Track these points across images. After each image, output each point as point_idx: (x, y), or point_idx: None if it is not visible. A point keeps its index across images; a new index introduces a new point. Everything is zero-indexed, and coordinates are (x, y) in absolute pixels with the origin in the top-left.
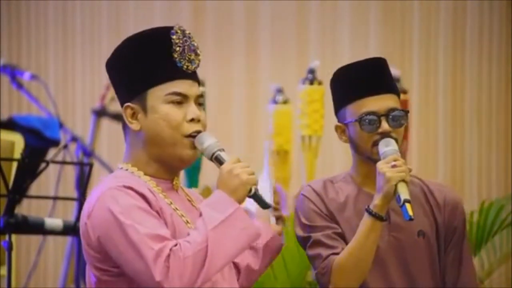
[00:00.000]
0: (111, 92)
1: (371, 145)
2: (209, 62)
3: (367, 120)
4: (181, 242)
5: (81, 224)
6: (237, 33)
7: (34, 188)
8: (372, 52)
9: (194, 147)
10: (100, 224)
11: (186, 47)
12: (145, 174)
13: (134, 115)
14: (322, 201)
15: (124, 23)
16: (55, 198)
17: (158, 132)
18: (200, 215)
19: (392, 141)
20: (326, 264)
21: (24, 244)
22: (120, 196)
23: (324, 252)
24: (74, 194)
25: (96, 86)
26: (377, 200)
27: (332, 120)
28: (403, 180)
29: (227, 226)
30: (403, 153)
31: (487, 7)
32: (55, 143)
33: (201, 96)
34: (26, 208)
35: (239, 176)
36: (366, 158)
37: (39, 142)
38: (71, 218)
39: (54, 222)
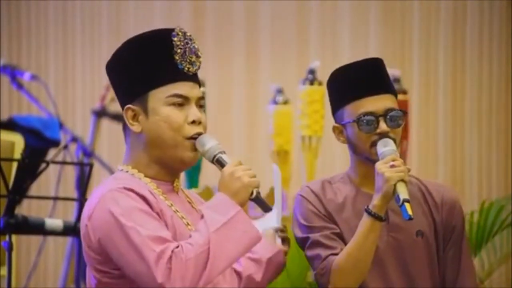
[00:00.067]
0: (111, 93)
1: (369, 145)
2: (209, 62)
3: (365, 121)
4: (183, 244)
5: (82, 225)
6: (237, 33)
7: (34, 189)
8: (372, 52)
9: (195, 149)
10: (101, 226)
11: (187, 49)
12: (146, 176)
13: (135, 117)
14: (320, 202)
15: (124, 23)
16: (55, 198)
17: (159, 134)
18: (202, 217)
19: (390, 141)
20: (325, 265)
21: (24, 245)
22: (121, 198)
23: (323, 252)
24: (74, 194)
25: (96, 86)
26: (376, 200)
27: (332, 120)
28: (402, 180)
29: (229, 229)
30: (403, 153)
31: (487, 7)
32: (55, 143)
33: (202, 98)
34: (26, 209)
35: (241, 179)
36: (364, 159)
37: (39, 143)
38: (72, 219)
39: (54, 222)
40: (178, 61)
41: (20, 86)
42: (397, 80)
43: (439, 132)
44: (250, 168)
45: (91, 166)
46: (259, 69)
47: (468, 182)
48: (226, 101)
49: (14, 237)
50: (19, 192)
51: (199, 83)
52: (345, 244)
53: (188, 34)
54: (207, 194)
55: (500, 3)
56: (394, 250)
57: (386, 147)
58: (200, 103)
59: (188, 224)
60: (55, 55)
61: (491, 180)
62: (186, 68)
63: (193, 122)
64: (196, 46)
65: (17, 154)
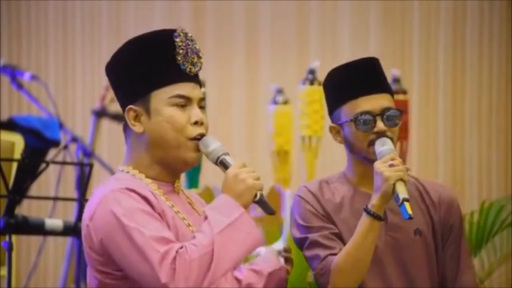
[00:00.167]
0: (111, 93)
1: (367, 144)
2: (209, 62)
3: (362, 120)
4: (187, 245)
5: (83, 226)
6: (237, 33)
7: (34, 189)
8: (372, 52)
9: (197, 150)
10: (103, 227)
11: (189, 50)
12: (147, 176)
13: (136, 118)
14: (318, 202)
15: (124, 23)
16: (55, 198)
17: (162, 134)
18: (206, 218)
19: (388, 141)
20: (324, 265)
21: (24, 245)
22: (123, 198)
23: (322, 252)
24: (74, 194)
25: (96, 86)
26: (375, 200)
27: None
28: (401, 179)
29: (233, 230)
30: (403, 153)
31: (487, 7)
32: (55, 143)
33: (203, 99)
34: (27, 209)
35: (245, 181)
36: (362, 158)
37: (39, 143)
38: (72, 219)
39: (54, 222)
40: (181, 62)
41: (20, 86)
42: (397, 80)
43: (439, 132)
44: (254, 170)
45: (91, 166)
46: (259, 69)
47: (468, 182)
48: (226, 101)
49: (14, 237)
50: (19, 192)
51: (200, 84)
52: (344, 244)
53: (190, 34)
54: (207, 194)
55: (500, 3)
56: (393, 250)
57: (384, 146)
58: (201, 104)
59: (189, 225)
60: (55, 55)
61: (491, 180)
62: (188, 69)
63: (196, 123)
64: (198, 47)
65: (17, 154)
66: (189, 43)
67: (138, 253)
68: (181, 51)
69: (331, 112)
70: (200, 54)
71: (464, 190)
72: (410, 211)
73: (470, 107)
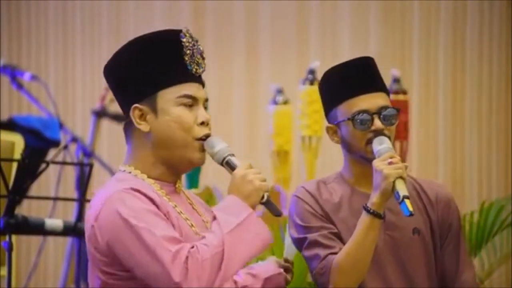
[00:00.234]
0: (111, 93)
1: (364, 143)
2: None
3: (359, 119)
4: (198, 244)
5: (87, 227)
6: (237, 33)
7: (34, 189)
8: (372, 52)
9: (203, 150)
10: (109, 228)
11: (194, 50)
12: (149, 177)
13: (142, 116)
14: (317, 202)
15: (124, 23)
16: (55, 198)
17: (170, 134)
18: (214, 218)
19: (386, 139)
20: (325, 264)
21: (24, 245)
22: (128, 199)
23: (321, 252)
24: (74, 194)
25: (96, 86)
26: (375, 198)
27: None
28: (401, 177)
29: (242, 230)
30: (403, 153)
31: (487, 7)
32: (55, 143)
33: (207, 99)
34: (27, 209)
35: (253, 182)
36: (359, 157)
37: (39, 143)
38: (72, 219)
39: (54, 222)
40: (188, 62)
41: (20, 86)
42: (397, 80)
43: (439, 132)
44: (260, 172)
45: (91, 166)
46: (259, 69)
47: (468, 182)
48: (226, 101)
49: (14, 237)
50: (19, 192)
51: (204, 85)
52: (343, 244)
53: (194, 35)
54: (207, 194)
55: (500, 3)
56: (392, 249)
57: (382, 145)
58: (205, 105)
59: (192, 225)
60: (55, 55)
61: (491, 180)
62: (194, 70)
63: (202, 123)
64: (201, 48)
65: (17, 154)
66: (195, 43)
67: (148, 253)
68: (188, 51)
69: (327, 112)
70: (204, 55)
71: (464, 190)
72: (411, 208)
73: (470, 107)
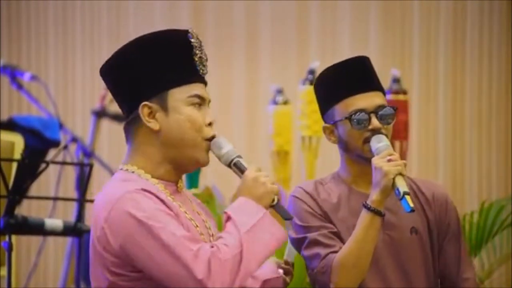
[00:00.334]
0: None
1: (361, 142)
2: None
3: (357, 117)
4: (218, 244)
5: (96, 227)
6: (237, 33)
7: (34, 189)
8: (372, 52)
9: (208, 150)
10: (122, 229)
11: (202, 51)
12: (152, 176)
13: (151, 114)
14: (315, 202)
15: (124, 23)
16: (55, 198)
17: (181, 133)
18: (228, 219)
19: (384, 137)
20: (325, 263)
21: (24, 245)
22: (141, 199)
23: (322, 251)
24: (74, 194)
25: (96, 86)
26: (375, 196)
27: None
28: (400, 174)
29: (258, 231)
30: (403, 153)
31: (487, 7)
32: (55, 143)
33: (210, 101)
34: (26, 209)
35: (265, 185)
36: (356, 157)
37: (39, 143)
38: (72, 219)
39: (54, 222)
40: (197, 62)
41: (20, 86)
42: (397, 80)
43: (439, 132)
44: (268, 175)
45: (91, 166)
46: (259, 69)
47: (468, 182)
48: (226, 101)
49: (14, 238)
50: (19, 192)
51: (206, 86)
52: (343, 243)
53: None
54: (207, 194)
55: (500, 3)
56: (390, 248)
57: (380, 143)
58: (209, 106)
59: (197, 226)
60: (55, 55)
61: (491, 181)
62: (201, 70)
63: (210, 124)
64: (204, 49)
65: (17, 154)
66: (201, 44)
67: (168, 253)
68: (197, 52)
69: (324, 112)
70: (207, 57)
71: (464, 190)
72: (411, 204)
73: (470, 107)
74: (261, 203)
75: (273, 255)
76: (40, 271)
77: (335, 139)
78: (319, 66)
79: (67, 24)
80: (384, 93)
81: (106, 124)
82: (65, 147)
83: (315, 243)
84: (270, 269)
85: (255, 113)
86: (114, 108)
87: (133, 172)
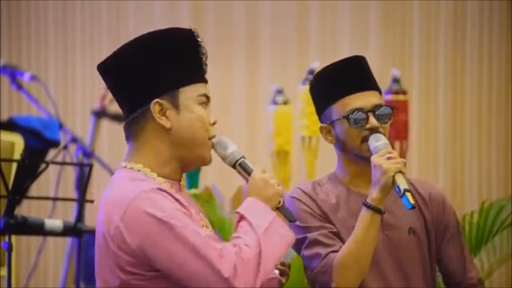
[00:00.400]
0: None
1: (359, 141)
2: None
3: (355, 117)
4: (240, 244)
5: (109, 226)
6: (237, 33)
7: (34, 189)
8: (372, 52)
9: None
10: (141, 229)
11: (205, 50)
12: (158, 175)
13: (161, 112)
14: (314, 202)
15: (124, 23)
16: (55, 199)
17: (192, 132)
18: (241, 218)
19: (382, 136)
20: (326, 263)
21: (24, 245)
22: (158, 199)
23: (322, 250)
24: (74, 195)
25: (96, 86)
26: (375, 194)
27: None
28: (400, 171)
29: (271, 234)
30: (403, 153)
31: (487, 7)
32: (55, 144)
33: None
34: (26, 209)
35: (274, 186)
36: (354, 156)
37: (39, 143)
38: (71, 219)
39: (54, 223)
40: (204, 62)
41: (20, 86)
42: (397, 80)
43: (439, 132)
44: (274, 177)
45: (91, 166)
46: (259, 70)
47: (468, 182)
48: (226, 101)
49: (14, 238)
50: (19, 192)
51: None
52: (343, 243)
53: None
54: (207, 194)
55: (500, 3)
56: (390, 249)
57: (378, 141)
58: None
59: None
60: (55, 55)
61: (491, 181)
62: (205, 69)
63: (214, 123)
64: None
65: (17, 155)
66: (204, 44)
67: (193, 252)
68: (204, 51)
69: (320, 112)
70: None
71: (464, 190)
72: (412, 201)
73: (470, 107)
74: (270, 205)
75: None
76: (40, 271)
77: (332, 139)
78: (319, 66)
79: (67, 24)
80: (381, 93)
81: (106, 124)
82: (65, 147)
83: (315, 243)
84: None
85: (255, 113)
86: (114, 108)
87: (138, 170)
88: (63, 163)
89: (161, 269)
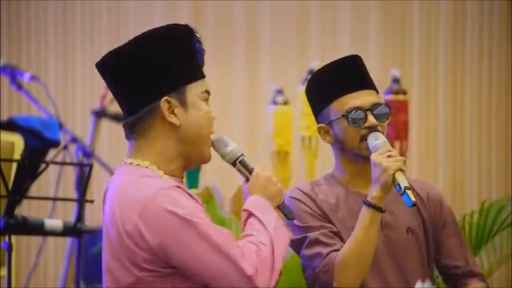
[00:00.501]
0: (111, 93)
1: (358, 140)
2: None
3: (353, 115)
4: (256, 242)
5: (125, 223)
6: (237, 33)
7: (34, 189)
8: (372, 52)
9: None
10: (161, 226)
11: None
12: (165, 173)
13: (169, 109)
14: (314, 202)
15: (124, 23)
16: (55, 199)
17: (199, 129)
18: (250, 215)
19: (381, 134)
20: (327, 262)
21: (24, 245)
22: (177, 196)
23: (323, 250)
24: (74, 195)
25: (96, 86)
26: (375, 192)
27: None
28: (400, 169)
29: (278, 232)
30: (403, 153)
31: (487, 7)
32: (55, 144)
33: None
34: (26, 209)
35: (277, 184)
36: (353, 156)
37: (39, 143)
38: (71, 219)
39: (54, 223)
40: (204, 58)
41: (19, 86)
42: (397, 80)
43: (439, 132)
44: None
45: (91, 166)
46: (259, 70)
47: (468, 182)
48: (226, 101)
49: (14, 238)
50: (19, 192)
51: None
52: (344, 243)
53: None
54: (207, 194)
55: (500, 3)
56: (389, 248)
57: (378, 140)
58: None
59: None
60: (55, 55)
61: (491, 181)
62: (203, 64)
63: (213, 119)
64: None
65: (17, 155)
66: None
67: (216, 250)
68: (203, 46)
69: (318, 112)
70: None
71: (464, 190)
72: (413, 198)
73: (470, 107)
74: (272, 203)
75: None
76: (40, 271)
77: (330, 139)
78: (319, 66)
79: (67, 24)
80: (377, 92)
81: (106, 124)
82: (65, 147)
83: (316, 242)
84: None
85: (255, 113)
86: (114, 108)
87: (146, 167)
88: (63, 163)
89: (182, 268)
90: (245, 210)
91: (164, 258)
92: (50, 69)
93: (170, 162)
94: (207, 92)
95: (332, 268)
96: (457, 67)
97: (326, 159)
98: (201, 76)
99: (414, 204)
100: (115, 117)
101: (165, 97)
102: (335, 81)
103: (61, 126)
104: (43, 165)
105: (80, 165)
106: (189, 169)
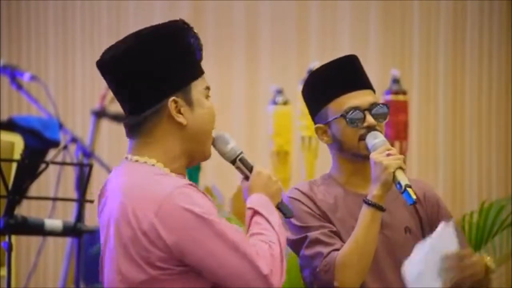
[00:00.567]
0: (111, 93)
1: (357, 139)
2: (209, 62)
3: (351, 115)
4: (267, 241)
5: (140, 221)
6: (237, 33)
7: (34, 189)
8: (372, 52)
9: None
10: (178, 224)
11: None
12: (170, 171)
13: (176, 109)
14: (313, 202)
15: (124, 23)
16: (55, 199)
17: (203, 127)
18: (255, 213)
19: (379, 134)
20: (328, 261)
21: (24, 245)
22: (193, 195)
23: (324, 249)
24: (74, 195)
25: (96, 86)
26: (375, 190)
27: None
28: (400, 168)
29: (282, 232)
30: (403, 153)
31: (487, 7)
32: (55, 144)
33: None
34: (26, 209)
35: (278, 183)
36: (351, 155)
37: (39, 143)
38: (71, 219)
39: (54, 223)
40: (202, 54)
41: (19, 86)
42: (397, 80)
43: (439, 132)
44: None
45: (90, 166)
46: (259, 70)
47: (468, 182)
48: (226, 101)
49: (13, 238)
50: (18, 192)
51: None
52: (343, 243)
53: None
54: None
55: (500, 3)
56: (388, 248)
57: (377, 139)
58: None
59: None
60: (55, 55)
61: (491, 181)
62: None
63: None
64: None
65: (17, 155)
66: None
67: (233, 249)
68: (201, 43)
69: (315, 113)
70: None
71: (464, 190)
72: (414, 196)
73: (470, 107)
74: (273, 201)
75: None
76: (40, 271)
77: (328, 139)
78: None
79: (67, 24)
80: (374, 92)
81: (106, 124)
82: (65, 147)
83: (316, 242)
84: None
85: (255, 113)
86: (114, 108)
87: (153, 165)
88: (63, 163)
89: (197, 266)
90: (250, 208)
91: (180, 257)
92: (50, 69)
93: (173, 160)
94: (208, 88)
95: (333, 267)
96: (457, 67)
97: (326, 159)
98: (202, 72)
99: (415, 202)
100: (115, 117)
101: (173, 97)
102: (332, 81)
103: (61, 126)
104: (43, 165)
105: (80, 165)
106: (189, 167)
